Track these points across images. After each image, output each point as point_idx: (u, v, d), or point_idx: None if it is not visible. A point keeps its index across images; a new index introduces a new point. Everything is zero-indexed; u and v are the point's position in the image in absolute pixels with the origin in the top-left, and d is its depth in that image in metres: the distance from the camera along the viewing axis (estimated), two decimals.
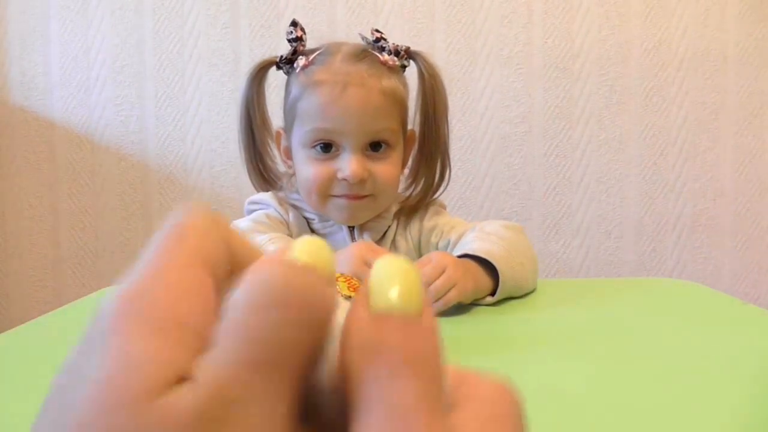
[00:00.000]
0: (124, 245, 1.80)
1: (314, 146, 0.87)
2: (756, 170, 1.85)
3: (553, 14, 1.80)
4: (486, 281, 0.78)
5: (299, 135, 0.88)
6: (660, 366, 0.53)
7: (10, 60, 1.78)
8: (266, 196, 0.94)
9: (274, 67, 0.93)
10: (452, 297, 0.70)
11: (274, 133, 0.95)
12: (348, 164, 0.84)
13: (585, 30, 1.80)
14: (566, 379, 0.50)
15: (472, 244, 0.82)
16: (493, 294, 0.77)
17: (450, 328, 0.65)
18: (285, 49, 0.93)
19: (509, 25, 1.79)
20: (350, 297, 0.52)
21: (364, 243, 0.76)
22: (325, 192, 0.87)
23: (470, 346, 0.59)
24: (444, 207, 0.99)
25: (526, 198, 1.78)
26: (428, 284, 0.69)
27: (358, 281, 0.54)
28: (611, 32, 1.80)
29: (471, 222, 0.93)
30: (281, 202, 0.93)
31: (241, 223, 0.89)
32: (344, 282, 0.53)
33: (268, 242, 0.80)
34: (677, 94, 1.82)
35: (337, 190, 0.87)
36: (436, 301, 0.69)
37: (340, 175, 0.85)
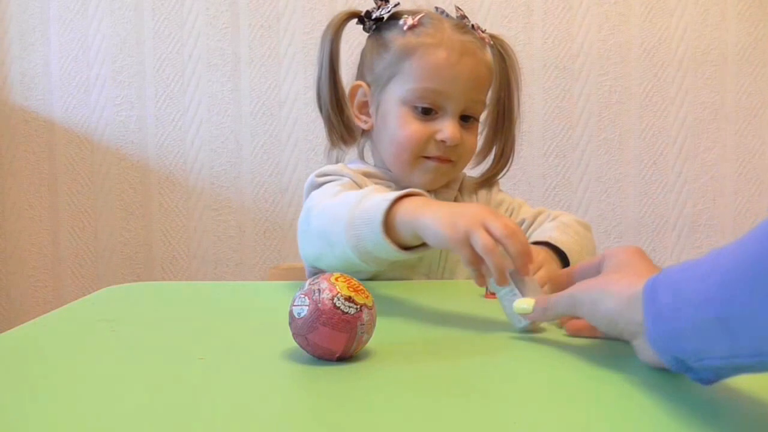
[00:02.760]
0: (124, 245, 1.80)
1: (416, 105, 0.88)
2: (756, 170, 1.85)
3: (552, 14, 1.80)
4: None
5: (401, 92, 0.89)
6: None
7: (10, 60, 1.78)
8: (338, 168, 0.92)
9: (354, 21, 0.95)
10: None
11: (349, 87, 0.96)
12: (448, 127, 0.88)
13: (585, 30, 1.80)
14: (565, 379, 0.50)
15: (552, 232, 0.87)
16: None
17: (450, 327, 0.65)
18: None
19: (509, 25, 1.79)
20: (350, 297, 0.52)
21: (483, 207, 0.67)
22: (419, 152, 0.90)
23: (469, 345, 0.60)
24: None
25: (525, 198, 1.77)
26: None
27: (357, 282, 0.55)
28: (611, 32, 1.80)
29: (536, 207, 0.99)
30: (354, 171, 0.91)
31: (330, 189, 0.81)
32: (344, 282, 0.53)
33: (368, 193, 0.71)
34: (677, 93, 1.82)
35: (430, 151, 0.89)
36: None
37: (439, 137, 0.88)
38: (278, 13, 1.77)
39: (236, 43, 1.77)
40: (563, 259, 0.83)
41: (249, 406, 0.44)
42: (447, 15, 0.93)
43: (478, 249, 0.59)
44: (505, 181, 1.05)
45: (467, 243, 0.60)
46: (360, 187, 0.86)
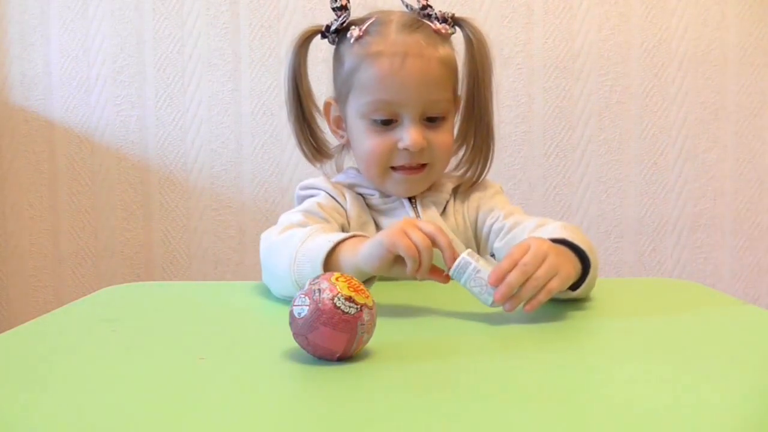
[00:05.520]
0: (124, 245, 1.80)
1: (373, 118, 0.87)
2: (756, 170, 1.85)
3: (553, 14, 1.80)
4: (576, 272, 0.72)
5: (357, 106, 0.89)
6: (660, 365, 0.53)
7: (10, 60, 1.78)
8: (318, 181, 0.94)
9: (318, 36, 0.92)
10: (554, 286, 0.66)
11: (317, 103, 0.95)
12: (408, 134, 0.86)
13: (585, 30, 1.80)
14: (566, 379, 0.50)
15: (562, 231, 0.78)
16: (574, 288, 0.72)
17: (450, 327, 0.65)
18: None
19: (509, 25, 1.79)
20: (351, 297, 0.52)
21: (410, 219, 0.76)
22: (385, 163, 0.89)
23: (469, 345, 0.60)
24: (502, 190, 1.00)
25: (526, 198, 1.78)
26: (527, 273, 0.65)
27: (358, 282, 0.55)
28: (611, 32, 1.80)
29: (536, 207, 0.93)
30: (335, 185, 0.93)
31: (294, 216, 0.86)
32: (344, 282, 0.53)
33: (313, 233, 0.77)
34: (677, 94, 1.82)
35: (398, 160, 0.88)
36: (538, 291, 0.65)
37: (400, 145, 0.87)
38: (278, 13, 1.77)
39: (236, 43, 1.77)
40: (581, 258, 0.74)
41: (249, 406, 0.44)
42: (410, 8, 0.89)
43: (415, 241, 0.67)
44: (505, 181, 1.04)
45: (404, 234, 0.68)
46: (336, 200, 0.92)
